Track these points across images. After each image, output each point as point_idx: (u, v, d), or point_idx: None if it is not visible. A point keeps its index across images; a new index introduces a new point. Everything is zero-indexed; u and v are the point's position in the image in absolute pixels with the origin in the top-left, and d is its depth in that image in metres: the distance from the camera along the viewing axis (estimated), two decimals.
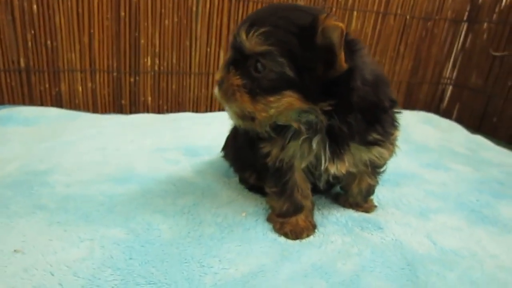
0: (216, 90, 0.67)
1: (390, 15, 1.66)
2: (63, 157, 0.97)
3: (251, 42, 0.60)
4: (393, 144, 0.76)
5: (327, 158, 0.69)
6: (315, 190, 0.79)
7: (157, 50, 1.46)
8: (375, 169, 0.78)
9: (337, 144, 0.68)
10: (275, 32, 0.59)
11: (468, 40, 1.75)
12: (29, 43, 1.32)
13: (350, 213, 0.81)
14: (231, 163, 0.93)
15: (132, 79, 1.48)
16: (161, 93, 1.52)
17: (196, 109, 1.58)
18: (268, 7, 0.66)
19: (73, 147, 1.05)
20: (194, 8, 1.43)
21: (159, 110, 1.54)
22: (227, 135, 0.94)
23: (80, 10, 1.33)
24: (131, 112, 1.50)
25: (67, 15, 1.33)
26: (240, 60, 0.64)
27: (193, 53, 1.50)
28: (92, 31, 1.37)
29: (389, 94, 0.70)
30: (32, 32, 1.31)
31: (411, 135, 1.38)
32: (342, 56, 0.58)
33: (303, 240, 0.71)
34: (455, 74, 1.82)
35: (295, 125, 0.66)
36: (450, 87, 1.85)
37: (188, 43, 1.48)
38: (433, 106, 1.88)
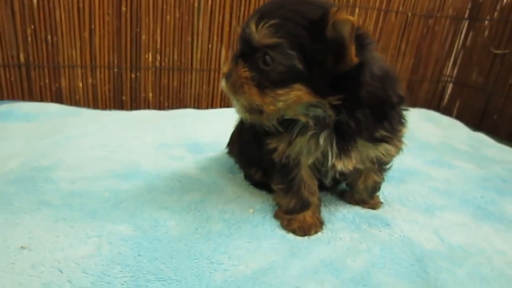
0: (223, 83, 0.66)
1: (392, 12, 1.66)
2: (66, 153, 0.96)
3: (260, 35, 0.60)
4: (400, 141, 0.75)
5: (334, 155, 0.68)
6: (321, 187, 0.79)
7: (158, 46, 1.44)
8: (381, 166, 0.78)
9: (344, 140, 0.68)
10: (285, 24, 0.59)
11: (469, 38, 1.75)
12: (29, 38, 1.31)
13: (357, 209, 0.81)
14: (236, 160, 0.93)
15: (133, 75, 1.46)
16: (162, 89, 1.51)
17: (198, 106, 1.57)
18: (277, 1, 0.65)
19: (75, 143, 1.04)
20: (196, 4, 1.42)
21: (160, 107, 1.53)
22: (232, 131, 0.94)
23: (81, 5, 1.32)
24: (131, 109, 1.49)
25: (68, 10, 1.31)
26: (248, 53, 0.63)
27: (194, 49, 1.49)
28: (93, 26, 1.36)
29: (397, 90, 0.70)
30: (32, 27, 1.30)
31: (414, 132, 1.38)
32: (352, 49, 0.57)
33: (311, 237, 0.71)
34: (455, 72, 1.83)
35: (302, 119, 0.65)
36: (451, 85, 1.85)
37: (189, 39, 1.46)
38: (434, 103, 1.89)
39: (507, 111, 1.56)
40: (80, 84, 1.42)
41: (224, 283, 0.57)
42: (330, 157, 0.68)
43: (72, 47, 1.36)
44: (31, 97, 1.38)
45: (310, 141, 0.68)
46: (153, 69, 1.47)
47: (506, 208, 0.88)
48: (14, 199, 0.75)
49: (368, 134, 0.68)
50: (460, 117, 1.73)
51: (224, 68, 0.66)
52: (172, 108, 1.53)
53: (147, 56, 1.45)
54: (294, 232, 0.71)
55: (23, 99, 1.37)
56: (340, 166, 0.70)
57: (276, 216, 0.76)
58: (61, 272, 0.56)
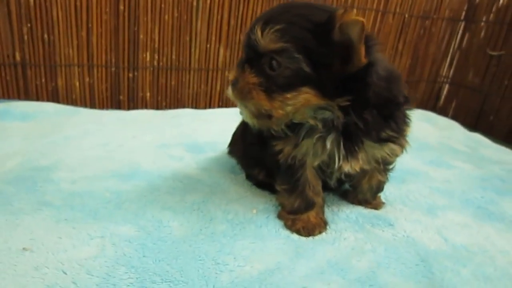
0: (229, 90, 0.66)
1: (389, 13, 1.67)
2: (65, 153, 0.95)
3: (266, 40, 0.60)
4: (405, 140, 0.76)
5: (342, 157, 0.68)
6: (325, 187, 0.79)
7: (156, 45, 1.43)
8: (385, 165, 0.78)
9: (351, 142, 0.68)
10: (290, 29, 0.59)
11: (465, 39, 1.77)
12: (25, 37, 1.29)
13: (360, 210, 0.81)
14: (238, 160, 0.92)
15: (130, 75, 1.45)
16: (160, 89, 1.50)
17: (196, 106, 1.56)
18: (282, 5, 0.66)
19: (74, 143, 1.02)
20: (194, 3, 1.41)
21: (157, 106, 1.52)
22: (234, 132, 0.93)
23: (78, 3, 1.30)
24: (129, 108, 1.48)
25: (65, 8, 1.30)
26: (254, 59, 0.63)
27: (192, 49, 1.48)
28: (90, 25, 1.34)
29: (402, 90, 0.70)
30: (29, 25, 1.28)
31: (412, 132, 1.39)
32: (362, 50, 0.57)
33: (316, 237, 0.70)
34: (451, 72, 1.84)
35: (311, 122, 0.65)
36: (447, 86, 1.87)
37: (188, 38, 1.46)
38: (430, 104, 1.90)
39: (503, 111, 1.57)
40: (77, 83, 1.40)
41: (230, 284, 0.57)
42: (337, 160, 0.68)
43: (69, 46, 1.35)
44: (27, 96, 1.36)
45: (316, 144, 0.68)
46: (151, 69, 1.46)
47: (506, 208, 0.88)
48: (13, 200, 0.73)
49: (375, 135, 0.68)
50: (456, 118, 1.74)
51: (230, 76, 0.66)
52: (170, 107, 1.52)
53: (145, 55, 1.44)
54: (298, 232, 0.71)
55: (19, 98, 1.35)
56: (347, 168, 0.70)
57: (280, 216, 0.76)
58: (65, 273, 0.56)
